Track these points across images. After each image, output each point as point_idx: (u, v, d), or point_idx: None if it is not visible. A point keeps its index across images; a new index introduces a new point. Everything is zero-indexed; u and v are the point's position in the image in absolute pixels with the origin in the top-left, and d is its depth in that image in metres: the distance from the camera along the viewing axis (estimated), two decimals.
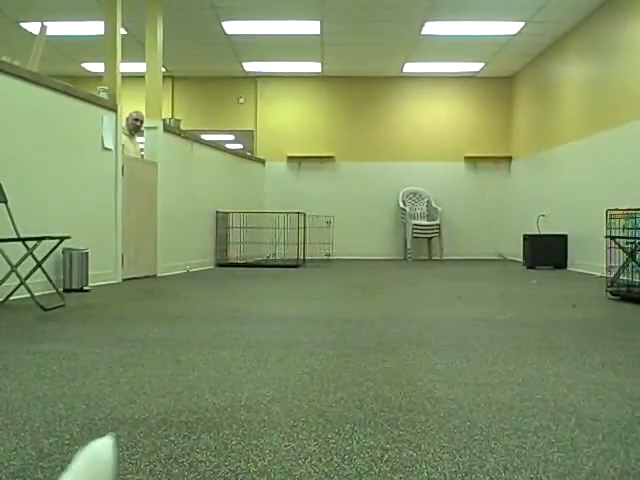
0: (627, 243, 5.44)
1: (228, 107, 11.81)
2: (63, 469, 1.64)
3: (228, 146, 11.25)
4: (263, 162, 11.61)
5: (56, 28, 8.52)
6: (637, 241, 5.39)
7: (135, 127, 7.86)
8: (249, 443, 1.83)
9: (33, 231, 4.83)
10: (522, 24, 8.86)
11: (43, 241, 4.55)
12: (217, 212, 9.29)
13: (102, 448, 0.91)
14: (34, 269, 4.71)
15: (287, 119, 11.88)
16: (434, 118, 11.83)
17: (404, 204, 11.47)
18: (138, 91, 7.97)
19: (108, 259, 6.54)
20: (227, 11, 8.51)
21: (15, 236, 4.65)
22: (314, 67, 11.23)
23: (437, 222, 11.19)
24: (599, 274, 6.78)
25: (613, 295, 5.36)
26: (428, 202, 11.54)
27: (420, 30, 9.19)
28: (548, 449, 1.79)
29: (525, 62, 10.88)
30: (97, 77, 8.66)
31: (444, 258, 11.13)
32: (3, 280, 4.73)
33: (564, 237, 8.88)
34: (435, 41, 9.72)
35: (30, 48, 5.77)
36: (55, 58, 9.99)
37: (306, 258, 9.52)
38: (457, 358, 2.99)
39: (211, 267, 8.98)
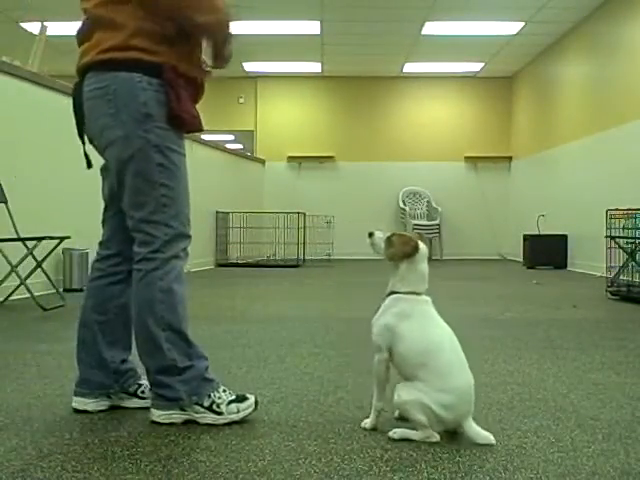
0: (627, 243, 5.44)
1: (228, 107, 11.80)
2: (63, 469, 1.65)
3: (228, 146, 11.24)
4: (263, 162, 11.61)
5: (56, 28, 8.51)
6: (637, 241, 5.39)
7: None
8: (249, 443, 1.83)
9: (33, 231, 4.83)
10: (522, 24, 8.85)
11: (43, 241, 4.55)
12: (217, 212, 9.29)
13: None
14: (34, 269, 4.71)
15: (287, 119, 11.88)
16: (434, 118, 11.82)
17: (404, 204, 11.46)
18: None
19: None
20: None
21: (15, 236, 4.65)
22: (314, 67, 11.23)
23: (437, 222, 11.19)
24: (599, 274, 6.79)
25: (613, 295, 5.36)
26: (428, 202, 11.54)
27: (420, 30, 9.19)
28: (548, 449, 1.79)
29: (525, 62, 10.88)
30: None
31: (444, 258, 11.13)
32: (3, 280, 4.73)
33: (564, 237, 8.87)
34: (435, 41, 9.72)
35: (30, 48, 5.77)
36: (55, 58, 9.99)
37: (306, 258, 9.52)
38: None
39: (211, 267, 8.98)
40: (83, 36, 2.00)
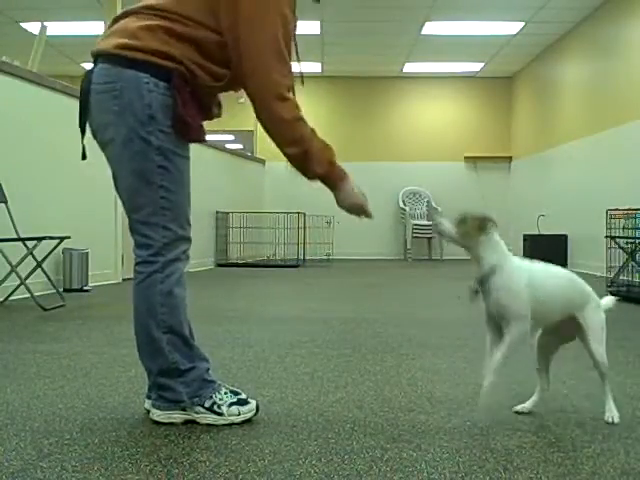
0: (627, 243, 5.44)
1: (228, 107, 11.58)
2: (63, 469, 1.65)
3: (228, 146, 11.24)
4: (263, 162, 11.60)
5: (56, 28, 8.51)
6: (637, 241, 5.39)
7: None
8: (249, 443, 1.83)
9: (33, 231, 4.83)
10: (522, 24, 8.85)
11: (43, 241, 4.55)
12: (217, 212, 9.29)
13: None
14: (34, 269, 4.71)
15: None
16: (434, 118, 11.82)
17: (404, 204, 11.46)
18: None
19: (108, 259, 6.53)
20: None
21: (15, 236, 4.65)
22: (314, 67, 11.22)
23: None
24: (599, 274, 6.78)
25: (613, 295, 5.36)
26: (428, 202, 11.53)
27: (420, 30, 9.19)
28: (548, 449, 1.79)
29: (525, 62, 10.88)
30: None
31: (444, 258, 11.13)
32: (3, 280, 4.73)
33: (564, 237, 8.88)
34: (435, 41, 9.72)
35: (30, 48, 5.77)
36: (55, 58, 9.99)
37: (306, 258, 9.51)
38: (457, 358, 2.99)
39: (211, 267, 8.98)
40: (119, 17, 1.97)
